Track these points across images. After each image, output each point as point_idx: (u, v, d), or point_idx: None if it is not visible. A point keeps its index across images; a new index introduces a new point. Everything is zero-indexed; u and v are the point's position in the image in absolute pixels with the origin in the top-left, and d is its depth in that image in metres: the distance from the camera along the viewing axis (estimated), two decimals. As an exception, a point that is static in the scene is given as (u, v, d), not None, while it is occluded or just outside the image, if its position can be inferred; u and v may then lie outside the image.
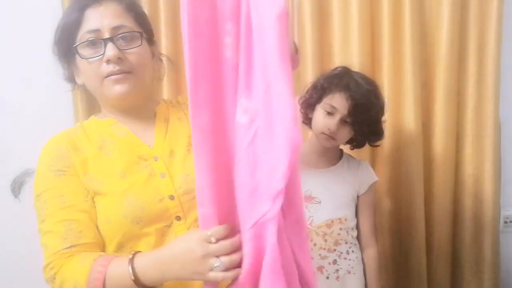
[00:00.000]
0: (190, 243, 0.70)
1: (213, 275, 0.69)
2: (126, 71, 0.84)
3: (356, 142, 1.31)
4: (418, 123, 1.49)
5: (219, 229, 0.70)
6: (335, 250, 1.27)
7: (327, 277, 1.26)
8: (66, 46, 0.86)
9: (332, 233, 1.27)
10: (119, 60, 0.83)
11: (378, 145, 1.36)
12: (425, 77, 1.52)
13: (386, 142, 1.51)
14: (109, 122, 0.92)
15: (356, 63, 1.44)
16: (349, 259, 1.28)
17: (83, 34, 0.83)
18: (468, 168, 1.56)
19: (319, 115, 1.24)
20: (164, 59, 1.03)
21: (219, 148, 0.72)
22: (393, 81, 1.48)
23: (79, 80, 0.91)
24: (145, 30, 0.90)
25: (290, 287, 0.67)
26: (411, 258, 1.53)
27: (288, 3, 1.56)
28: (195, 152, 0.71)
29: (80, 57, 0.84)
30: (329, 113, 1.21)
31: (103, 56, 0.82)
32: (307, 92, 1.30)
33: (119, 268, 0.73)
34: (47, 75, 1.40)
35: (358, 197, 1.32)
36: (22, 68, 1.40)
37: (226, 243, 0.69)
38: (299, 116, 1.30)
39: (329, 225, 1.27)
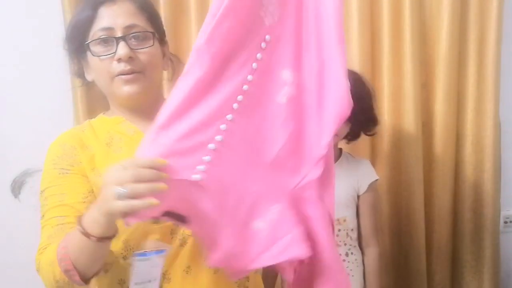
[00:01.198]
0: (108, 173, 0.66)
1: (115, 204, 0.63)
2: (137, 71, 0.84)
3: (351, 134, 1.29)
4: (418, 123, 1.49)
5: (136, 160, 0.65)
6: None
7: None
8: (78, 42, 0.87)
9: None
10: (130, 59, 0.83)
11: (374, 133, 1.34)
12: (425, 77, 1.52)
13: (386, 142, 1.51)
14: (118, 120, 0.92)
15: (356, 63, 1.44)
16: (348, 261, 1.27)
17: (96, 31, 0.83)
18: (468, 168, 1.56)
19: None
20: (174, 59, 1.02)
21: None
22: (393, 81, 1.48)
23: (88, 77, 0.91)
24: (157, 30, 0.90)
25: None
26: (411, 258, 1.53)
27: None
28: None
29: (92, 54, 0.84)
30: None
31: (114, 55, 0.82)
32: None
33: (75, 233, 0.71)
34: (47, 75, 1.41)
35: (358, 197, 1.31)
36: (22, 68, 1.40)
37: (131, 172, 0.63)
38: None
39: None
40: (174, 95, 0.68)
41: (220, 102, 0.69)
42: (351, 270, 1.27)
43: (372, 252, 1.31)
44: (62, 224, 0.79)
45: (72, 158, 0.85)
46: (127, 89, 0.84)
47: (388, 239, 1.55)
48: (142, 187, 0.62)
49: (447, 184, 1.54)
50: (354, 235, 1.30)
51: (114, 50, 0.82)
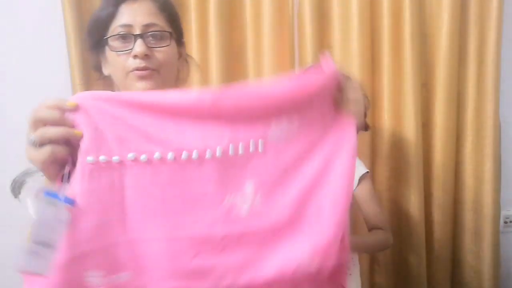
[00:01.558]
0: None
1: (33, 152, 0.60)
2: (151, 68, 0.86)
3: None
4: (418, 123, 1.49)
5: (44, 102, 0.61)
6: None
7: None
8: (97, 37, 0.88)
9: None
10: (146, 56, 0.84)
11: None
12: (425, 77, 1.52)
13: (386, 142, 1.51)
14: None
15: (356, 63, 1.44)
16: None
17: (115, 27, 0.85)
18: (468, 168, 1.56)
19: None
20: (190, 60, 1.05)
21: None
22: (393, 81, 1.48)
23: (105, 71, 0.92)
24: (175, 30, 0.92)
25: None
26: (411, 258, 1.53)
27: (288, 3, 1.58)
28: None
29: (110, 49, 0.86)
30: None
31: (131, 51, 0.84)
32: None
33: None
34: (47, 75, 1.41)
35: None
36: (22, 68, 1.40)
37: (34, 112, 0.60)
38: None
39: None
40: None
41: None
42: (347, 268, 1.26)
43: (379, 231, 1.23)
44: None
45: None
46: (140, 85, 0.86)
47: (388, 239, 1.55)
48: (53, 128, 0.60)
49: (447, 184, 1.54)
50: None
51: (131, 47, 0.84)
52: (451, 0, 1.45)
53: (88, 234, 0.63)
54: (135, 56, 0.84)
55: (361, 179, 1.27)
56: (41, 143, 0.59)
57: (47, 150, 0.59)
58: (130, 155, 0.65)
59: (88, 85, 1.35)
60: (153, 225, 0.67)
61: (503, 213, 1.64)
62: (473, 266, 1.58)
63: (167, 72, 0.89)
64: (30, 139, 0.59)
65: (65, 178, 0.62)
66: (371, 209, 1.25)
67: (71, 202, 0.61)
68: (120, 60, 0.85)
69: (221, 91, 0.70)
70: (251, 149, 0.71)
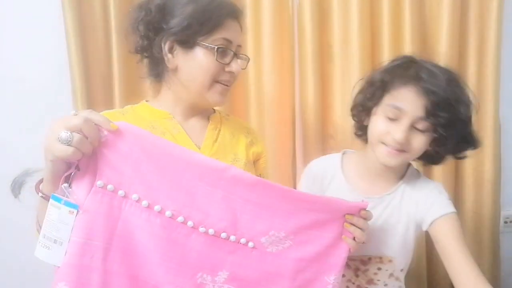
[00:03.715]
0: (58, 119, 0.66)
1: (55, 146, 0.63)
2: (231, 84, 0.95)
3: (433, 157, 0.95)
4: (418, 123, 1.48)
5: (93, 113, 0.66)
6: None
7: None
8: (192, 35, 0.88)
9: (367, 271, 0.99)
10: (233, 74, 0.93)
11: (464, 157, 0.97)
12: (425, 77, 1.52)
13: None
14: (165, 115, 0.96)
15: (356, 63, 1.44)
16: None
17: (218, 37, 0.89)
18: (468, 168, 1.56)
19: (378, 122, 0.91)
20: None
21: None
22: (393, 81, 1.48)
23: (171, 64, 0.92)
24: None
25: None
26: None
27: (288, 3, 1.58)
28: None
29: (207, 53, 0.89)
30: (392, 119, 0.88)
31: (226, 65, 0.91)
32: (360, 92, 0.99)
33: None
34: (47, 75, 1.41)
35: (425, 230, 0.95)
36: (22, 68, 1.40)
37: (82, 121, 0.63)
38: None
39: (364, 262, 0.99)
40: None
41: None
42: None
43: None
44: None
45: None
46: (219, 99, 0.94)
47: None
48: (87, 141, 0.64)
49: (447, 184, 1.54)
50: (402, 275, 1.02)
51: (228, 62, 0.91)
52: (451, 0, 1.45)
53: (70, 247, 0.66)
54: (231, 72, 0.92)
55: (442, 218, 0.92)
56: (72, 145, 0.63)
57: (72, 151, 0.63)
58: (135, 196, 0.70)
59: (88, 85, 1.35)
60: (128, 263, 0.70)
61: (503, 213, 1.64)
62: (473, 266, 1.58)
63: (233, 85, 0.98)
64: (62, 136, 0.62)
65: (67, 179, 0.67)
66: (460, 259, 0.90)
67: (74, 206, 0.67)
68: (212, 67, 0.90)
69: (247, 175, 0.76)
70: (242, 241, 0.76)
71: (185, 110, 0.96)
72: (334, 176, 1.06)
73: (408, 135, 0.86)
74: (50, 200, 0.67)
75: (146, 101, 1.01)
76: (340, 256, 0.84)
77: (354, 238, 0.84)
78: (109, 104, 1.36)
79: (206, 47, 0.88)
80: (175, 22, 0.88)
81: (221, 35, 0.89)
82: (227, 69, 0.91)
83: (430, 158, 0.96)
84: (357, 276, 1.01)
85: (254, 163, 1.05)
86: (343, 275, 0.97)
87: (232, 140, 1.01)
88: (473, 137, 0.93)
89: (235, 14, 0.93)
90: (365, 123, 0.98)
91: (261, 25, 1.44)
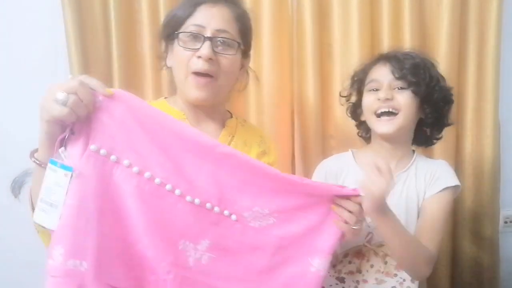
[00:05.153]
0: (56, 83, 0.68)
1: (52, 107, 0.65)
2: (210, 74, 0.88)
3: (426, 138, 1.09)
4: (418, 123, 1.49)
5: (89, 78, 0.68)
6: (395, 275, 1.02)
7: None
8: (171, 30, 0.91)
9: None
10: (209, 60, 0.87)
11: (441, 137, 1.13)
12: (425, 77, 1.52)
13: (386, 142, 1.51)
14: (178, 115, 0.95)
15: (356, 63, 1.44)
16: None
17: (189, 25, 0.88)
18: (468, 168, 1.56)
19: (365, 97, 1.06)
20: (251, 73, 1.09)
21: None
22: (393, 81, 1.48)
23: (169, 63, 0.95)
24: (244, 42, 0.95)
25: None
26: (411, 258, 1.53)
27: (288, 3, 1.58)
28: None
29: (178, 43, 0.88)
30: (375, 89, 1.03)
31: (197, 51, 0.87)
32: (349, 94, 1.15)
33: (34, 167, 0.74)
34: (47, 75, 1.41)
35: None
36: (22, 68, 1.40)
37: (77, 83, 0.65)
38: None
39: None
40: None
41: None
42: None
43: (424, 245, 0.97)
44: None
45: None
46: (196, 93, 0.89)
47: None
48: (82, 103, 0.65)
49: (447, 184, 1.54)
50: None
51: (198, 47, 0.86)
52: (451, 0, 1.44)
53: (65, 210, 0.68)
54: (199, 57, 0.86)
55: (447, 189, 1.03)
56: (68, 105, 0.64)
57: (67, 111, 0.64)
58: (126, 162, 0.71)
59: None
60: (118, 226, 0.72)
61: (503, 213, 1.64)
62: (473, 266, 1.58)
63: (225, 80, 0.92)
64: (58, 97, 0.64)
65: (63, 142, 0.69)
66: (428, 223, 1.00)
67: (69, 169, 0.68)
68: (184, 57, 0.88)
69: (236, 152, 0.77)
70: (225, 213, 0.78)
71: (194, 112, 0.96)
72: (348, 171, 1.10)
73: (390, 93, 1.00)
74: (48, 164, 0.68)
75: (165, 98, 1.01)
76: (327, 241, 0.84)
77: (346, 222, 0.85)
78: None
79: (177, 37, 0.88)
80: (163, 22, 0.93)
81: (191, 22, 0.88)
82: (197, 53, 0.87)
83: (422, 139, 1.11)
84: (385, 263, 1.03)
85: None
86: (371, 265, 1.03)
87: (244, 148, 0.99)
88: (449, 94, 1.07)
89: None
90: (362, 119, 1.11)
91: (261, 25, 1.43)
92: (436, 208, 1.01)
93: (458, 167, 1.57)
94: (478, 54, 1.52)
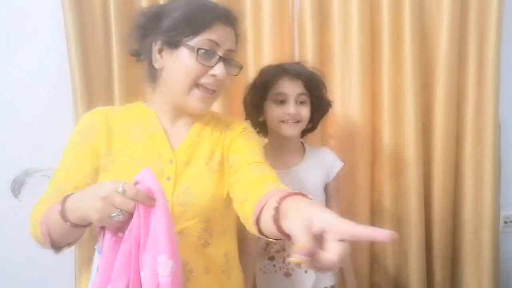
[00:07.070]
0: (103, 184, 0.73)
1: (105, 220, 0.71)
2: (214, 90, 0.92)
3: (312, 123, 1.29)
4: (418, 123, 1.49)
5: (132, 187, 0.71)
6: None
7: (306, 271, 1.23)
8: (179, 36, 0.89)
9: None
10: (216, 77, 0.90)
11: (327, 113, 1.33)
12: (425, 77, 1.52)
13: (386, 142, 1.51)
14: (150, 114, 0.98)
15: (356, 63, 1.44)
16: None
17: (205, 39, 0.88)
18: (468, 168, 1.56)
19: (273, 109, 1.22)
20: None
21: None
22: (393, 81, 1.48)
23: (157, 64, 0.93)
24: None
25: None
26: (411, 258, 1.53)
27: (288, 3, 1.58)
28: None
29: (189, 53, 0.88)
30: (282, 101, 1.20)
31: (210, 68, 0.89)
32: (248, 93, 1.28)
33: (56, 208, 0.78)
34: (47, 75, 1.41)
35: (326, 185, 1.31)
36: (22, 69, 1.40)
37: (129, 201, 0.70)
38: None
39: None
40: None
41: None
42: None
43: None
44: (59, 189, 0.88)
45: (92, 132, 0.93)
46: (200, 106, 0.92)
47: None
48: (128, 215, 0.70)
49: (447, 184, 1.54)
50: None
51: (212, 64, 0.89)
52: (451, 0, 1.45)
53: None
54: (213, 76, 0.89)
55: (338, 173, 1.31)
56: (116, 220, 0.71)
57: (118, 224, 0.72)
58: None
59: (88, 85, 1.35)
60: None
61: (503, 213, 1.64)
62: (473, 266, 1.58)
63: (222, 92, 0.97)
64: (114, 215, 0.70)
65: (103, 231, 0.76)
66: (335, 205, 1.30)
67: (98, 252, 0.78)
68: (193, 69, 0.89)
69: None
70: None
71: (171, 112, 0.97)
72: None
73: (297, 107, 1.19)
74: (95, 253, 0.79)
75: (144, 101, 1.03)
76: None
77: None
78: (109, 104, 1.35)
79: (190, 48, 0.88)
80: (165, 23, 0.90)
81: (207, 37, 0.88)
82: (210, 72, 0.90)
83: (309, 125, 1.29)
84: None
85: (231, 156, 0.99)
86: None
87: (212, 137, 0.99)
88: (328, 100, 1.30)
89: (227, 19, 0.92)
90: (259, 119, 1.26)
91: (261, 25, 1.44)
92: (336, 188, 1.32)
93: (458, 167, 1.57)
94: (478, 54, 1.52)
